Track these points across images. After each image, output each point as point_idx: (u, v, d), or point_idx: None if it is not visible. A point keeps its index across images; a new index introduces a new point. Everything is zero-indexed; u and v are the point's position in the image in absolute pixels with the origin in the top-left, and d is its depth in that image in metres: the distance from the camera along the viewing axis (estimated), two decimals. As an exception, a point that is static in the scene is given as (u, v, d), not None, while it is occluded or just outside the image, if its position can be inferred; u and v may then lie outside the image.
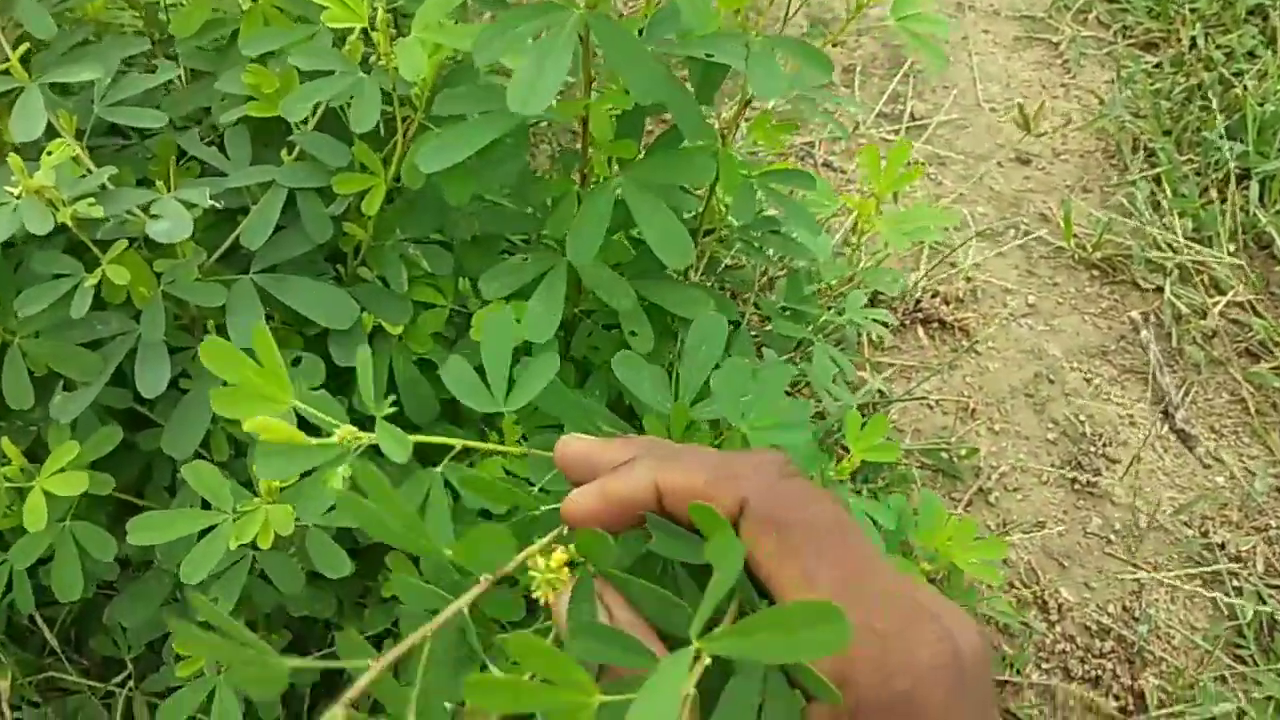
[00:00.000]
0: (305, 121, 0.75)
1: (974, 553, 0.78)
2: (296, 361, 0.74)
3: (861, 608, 0.36)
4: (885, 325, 0.96)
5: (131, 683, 0.91)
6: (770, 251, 0.85)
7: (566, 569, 0.42)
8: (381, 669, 0.35)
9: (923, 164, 0.77)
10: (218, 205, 0.71)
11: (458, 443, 0.51)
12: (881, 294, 1.39)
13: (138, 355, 0.72)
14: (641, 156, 0.72)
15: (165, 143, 0.83)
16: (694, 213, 0.75)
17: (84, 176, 0.70)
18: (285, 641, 0.86)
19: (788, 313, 0.87)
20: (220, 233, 0.78)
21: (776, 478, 0.40)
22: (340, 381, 0.77)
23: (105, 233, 0.73)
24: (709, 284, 0.91)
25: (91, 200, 0.66)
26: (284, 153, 0.74)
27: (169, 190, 0.72)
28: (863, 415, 0.74)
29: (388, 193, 0.74)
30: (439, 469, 0.54)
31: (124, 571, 0.88)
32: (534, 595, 0.42)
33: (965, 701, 0.36)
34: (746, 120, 0.83)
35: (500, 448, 0.52)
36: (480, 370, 0.53)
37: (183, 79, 0.90)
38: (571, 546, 0.43)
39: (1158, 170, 1.60)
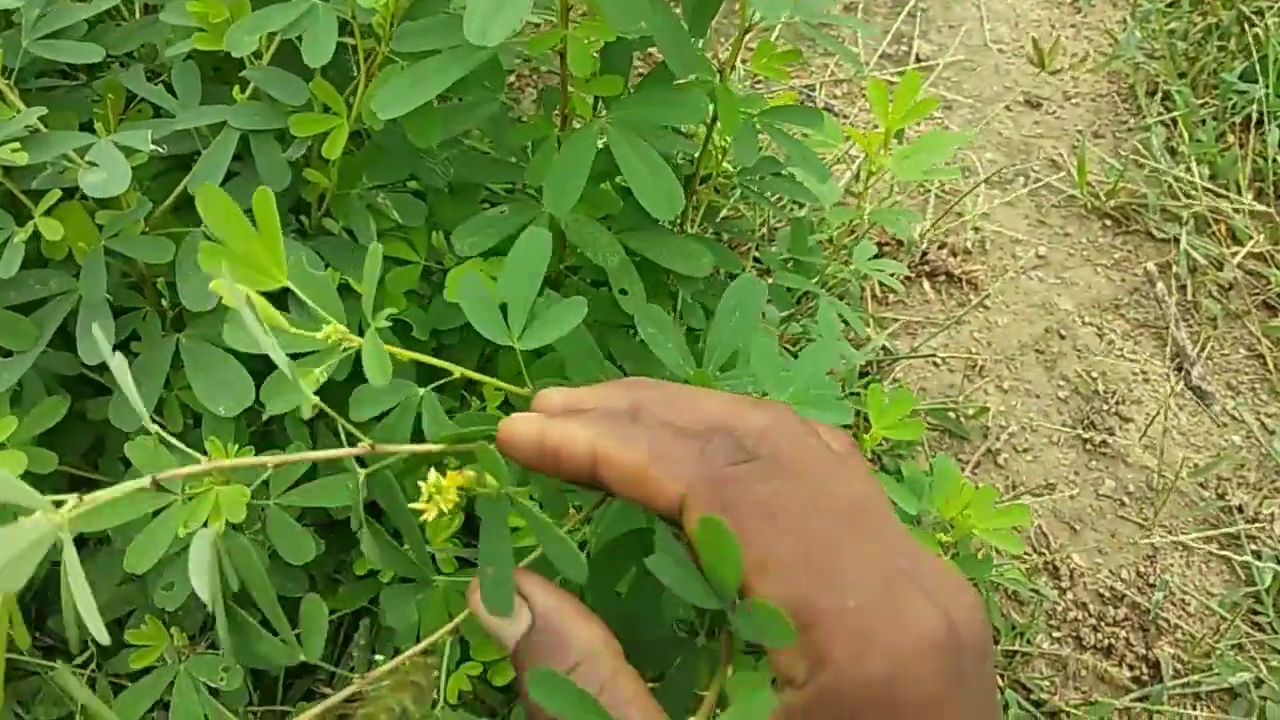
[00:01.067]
0: (259, 55, 0.67)
1: (994, 520, 0.72)
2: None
3: (831, 584, 0.31)
4: (896, 276, 0.89)
5: (94, 664, 0.85)
6: (773, 196, 0.78)
7: (456, 492, 0.38)
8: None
9: (937, 100, 0.71)
10: (161, 150, 0.64)
11: (456, 370, 0.46)
12: (888, 244, 1.33)
13: (78, 317, 0.65)
14: (628, 95, 0.65)
15: (111, 83, 0.75)
16: (689, 157, 0.68)
17: (13, 119, 0.63)
18: (256, 620, 0.80)
19: (790, 264, 0.81)
20: (172, 182, 0.72)
21: (726, 461, 0.35)
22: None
23: (41, 182, 0.66)
24: (707, 235, 0.85)
25: (16, 145, 0.59)
26: (236, 90, 0.67)
27: (109, 134, 0.65)
28: (867, 374, 0.68)
29: (353, 135, 0.67)
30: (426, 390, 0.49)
31: (84, 548, 0.83)
32: (417, 507, 0.38)
33: (961, 689, 0.31)
34: (744, 63, 0.76)
35: (503, 384, 0.47)
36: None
37: (135, 12, 0.83)
38: (485, 476, 0.39)
39: (1173, 114, 1.53)
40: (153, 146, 0.64)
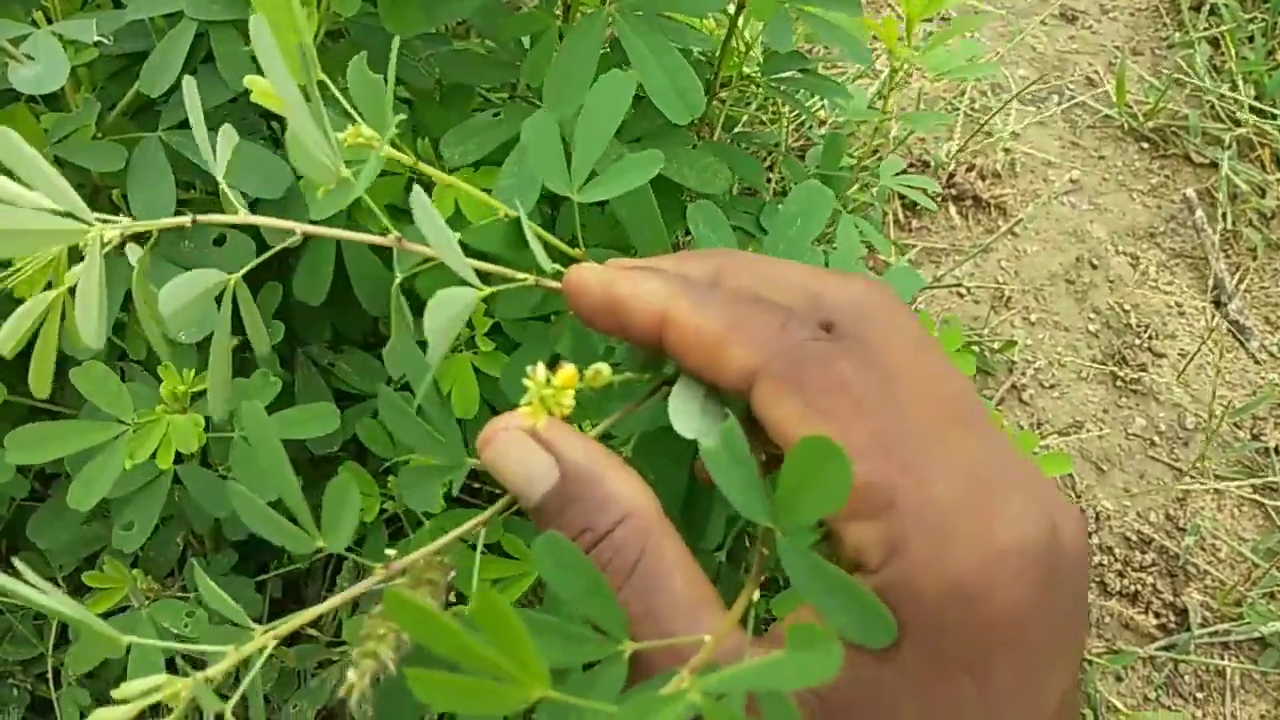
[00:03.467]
0: (217, -65, 0.59)
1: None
2: (220, 240, 0.61)
3: (915, 469, 0.27)
4: (927, 194, 0.82)
5: (64, 603, 0.81)
6: (803, 97, 0.70)
7: (570, 394, 0.33)
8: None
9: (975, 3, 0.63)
10: (108, 43, 0.57)
11: (501, 208, 0.42)
12: (913, 165, 1.24)
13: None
14: (640, -19, 0.57)
15: (62, -28, 0.67)
16: (708, 55, 0.60)
17: (-61, 5, 0.56)
18: (232, 562, 0.75)
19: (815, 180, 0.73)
20: (128, 82, 0.64)
21: (810, 335, 0.31)
22: (275, 265, 0.64)
23: (-22, 79, 0.58)
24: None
25: (-60, 33, 0.52)
26: (193, -24, 0.59)
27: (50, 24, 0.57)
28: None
29: (330, 33, 0.60)
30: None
31: (54, 482, 0.78)
32: (522, 412, 0.33)
33: (1054, 604, 0.27)
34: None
35: (555, 241, 0.42)
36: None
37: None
38: (595, 368, 0.34)
39: (1219, 29, 1.43)
40: (98, 38, 0.56)
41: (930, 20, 1.44)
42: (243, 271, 0.38)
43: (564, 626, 0.29)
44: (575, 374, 0.33)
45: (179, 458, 0.57)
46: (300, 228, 0.39)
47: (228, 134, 0.40)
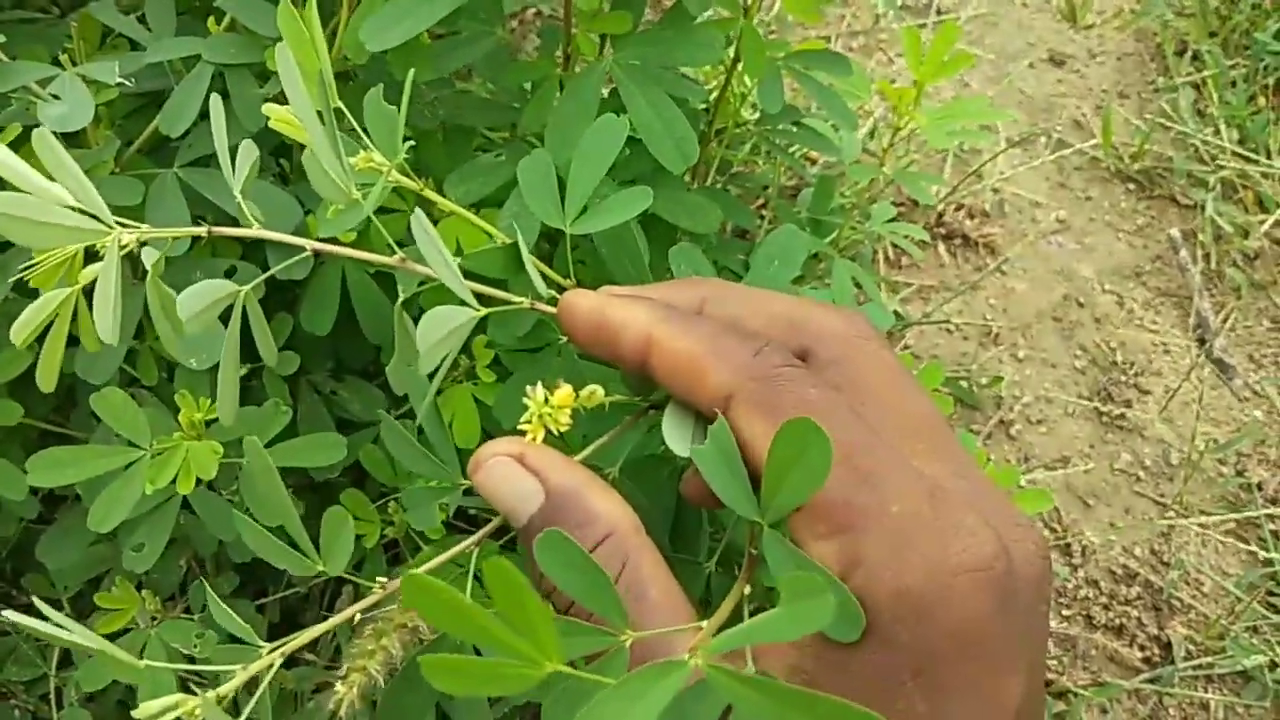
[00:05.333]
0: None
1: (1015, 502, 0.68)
2: (230, 272, 0.64)
3: (873, 486, 0.29)
4: (915, 241, 0.85)
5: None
6: (793, 149, 0.73)
7: (567, 413, 0.36)
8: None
9: (972, 56, 0.65)
10: (129, 84, 0.60)
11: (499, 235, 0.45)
12: (903, 205, 1.27)
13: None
14: (637, 34, 0.60)
15: (84, 17, 0.70)
16: (706, 102, 0.63)
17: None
18: (233, 585, 0.77)
19: (808, 224, 0.76)
20: (145, 120, 0.67)
21: (782, 361, 0.33)
22: (283, 297, 0.67)
23: (4, 118, 0.61)
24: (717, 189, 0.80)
25: (-28, 75, 0.55)
26: (211, 22, 0.62)
27: (75, 66, 0.60)
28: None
29: (339, 75, 0.62)
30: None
31: (62, 505, 0.79)
32: (522, 428, 0.36)
33: (1009, 625, 0.28)
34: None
35: (548, 271, 0.45)
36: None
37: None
38: (590, 389, 0.37)
39: (1203, 74, 1.47)
40: (120, 80, 0.59)
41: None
42: (253, 284, 0.40)
43: (566, 621, 0.31)
44: (572, 394, 0.35)
45: (191, 482, 0.59)
46: (313, 245, 0.41)
47: (248, 148, 0.43)
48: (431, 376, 0.39)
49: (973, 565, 0.28)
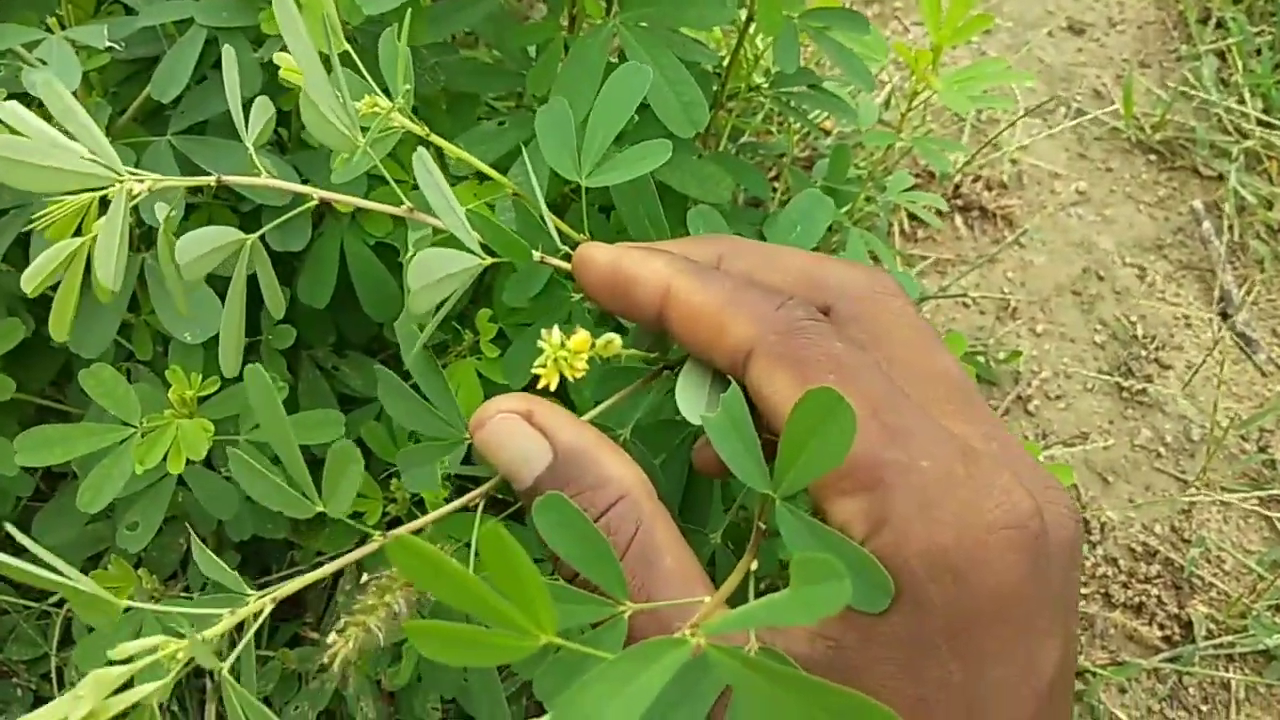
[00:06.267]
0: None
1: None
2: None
3: (902, 442, 0.27)
4: (933, 210, 0.82)
5: (66, 604, 0.81)
6: (807, 111, 0.71)
7: (583, 358, 0.35)
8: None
9: (991, 16, 0.63)
10: (119, 48, 0.57)
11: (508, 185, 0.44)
12: (919, 176, 1.25)
13: (33, 234, 0.59)
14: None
15: (76, -22, 0.68)
16: (716, 66, 0.61)
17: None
18: (234, 564, 0.75)
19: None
20: (139, 87, 0.65)
21: (805, 315, 0.31)
22: (281, 270, 0.65)
23: (-9, 83, 0.59)
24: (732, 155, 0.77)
25: (-46, 37, 0.53)
26: (203, -17, 0.60)
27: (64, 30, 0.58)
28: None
29: (336, 37, 0.60)
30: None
31: (61, 481, 0.78)
32: (535, 372, 0.35)
33: (1042, 588, 0.26)
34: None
35: (562, 225, 0.42)
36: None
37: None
38: (607, 338, 0.35)
39: (1227, 42, 1.43)
40: (110, 43, 0.57)
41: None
42: (260, 233, 0.39)
43: (563, 589, 0.29)
44: (589, 338, 0.33)
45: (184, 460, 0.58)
46: (321, 194, 0.40)
47: (263, 104, 0.41)
48: (427, 326, 0.38)
49: (1007, 523, 0.26)
